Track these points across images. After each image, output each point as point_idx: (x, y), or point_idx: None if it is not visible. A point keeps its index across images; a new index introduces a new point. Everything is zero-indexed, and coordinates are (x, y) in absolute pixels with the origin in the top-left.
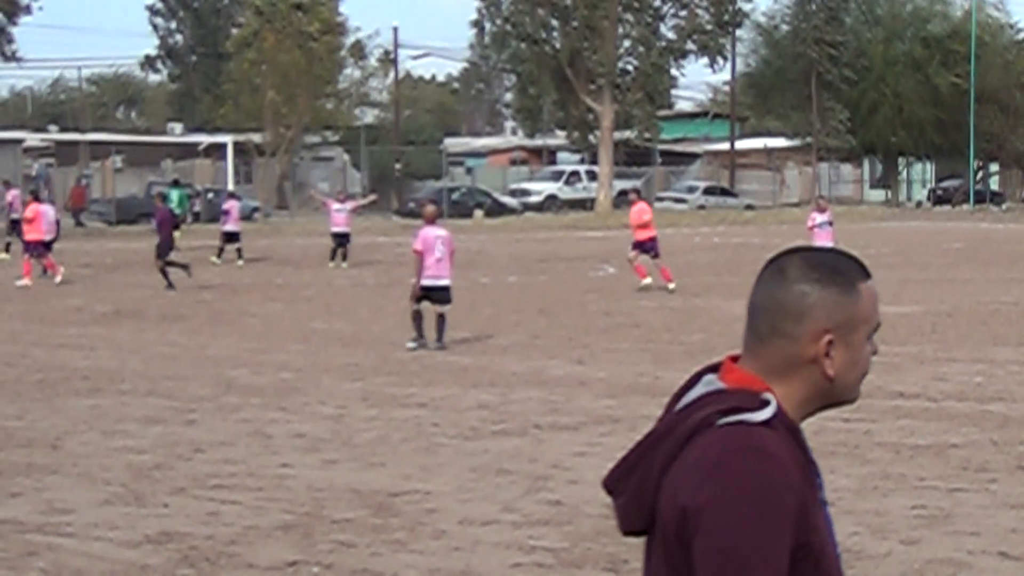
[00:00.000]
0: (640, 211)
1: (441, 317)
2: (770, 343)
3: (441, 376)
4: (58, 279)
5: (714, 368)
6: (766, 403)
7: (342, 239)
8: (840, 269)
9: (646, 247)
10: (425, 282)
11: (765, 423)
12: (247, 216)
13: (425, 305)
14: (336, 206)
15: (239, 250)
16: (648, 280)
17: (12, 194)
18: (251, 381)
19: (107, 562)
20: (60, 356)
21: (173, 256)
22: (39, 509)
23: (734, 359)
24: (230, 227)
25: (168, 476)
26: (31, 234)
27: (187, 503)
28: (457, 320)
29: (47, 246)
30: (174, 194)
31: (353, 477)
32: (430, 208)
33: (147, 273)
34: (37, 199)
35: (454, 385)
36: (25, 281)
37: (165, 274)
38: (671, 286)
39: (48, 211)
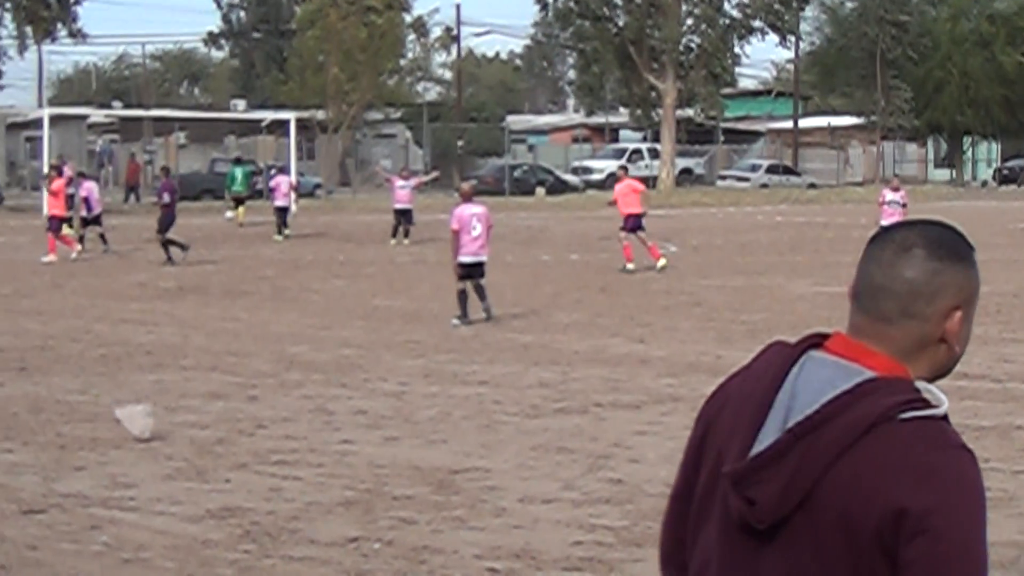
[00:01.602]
0: (629, 188)
1: (479, 286)
2: (900, 325)
3: (502, 354)
4: (49, 259)
5: (814, 344)
6: (927, 393)
7: (404, 216)
8: (959, 243)
9: (630, 223)
10: (464, 259)
11: (945, 416)
12: (309, 192)
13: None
14: (400, 183)
15: (281, 224)
16: (663, 262)
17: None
18: (313, 357)
19: (169, 536)
20: (123, 331)
21: (172, 234)
22: (102, 483)
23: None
24: (280, 202)
25: (230, 451)
26: (53, 208)
27: (249, 479)
28: (518, 297)
29: (93, 222)
30: (237, 171)
31: (414, 454)
32: (465, 186)
33: (209, 249)
34: (60, 173)
35: (515, 363)
36: (75, 252)
37: (166, 248)
38: (630, 266)
39: (94, 187)
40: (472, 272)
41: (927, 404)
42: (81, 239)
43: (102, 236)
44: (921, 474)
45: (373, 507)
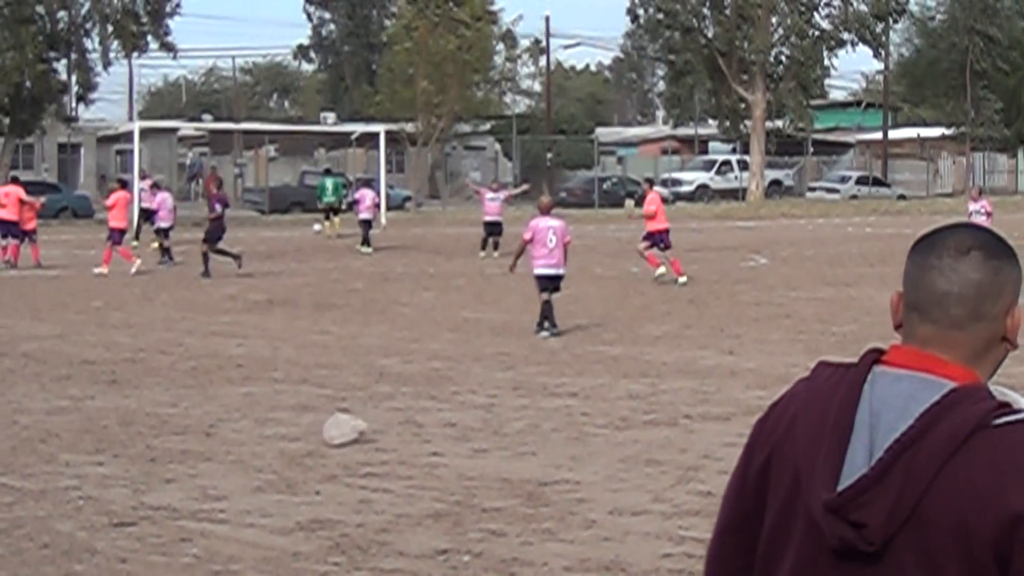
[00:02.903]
0: (649, 201)
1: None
2: (971, 328)
3: (591, 366)
4: (134, 268)
5: (875, 360)
6: (1004, 396)
7: (494, 228)
8: (1003, 241)
9: (655, 239)
10: (541, 271)
11: None
12: (399, 205)
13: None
14: (490, 195)
15: (364, 237)
16: (662, 269)
17: (146, 183)
18: (402, 370)
19: (259, 549)
20: (213, 344)
21: (223, 246)
22: (192, 496)
23: (905, 350)
24: (364, 215)
25: (320, 464)
26: (112, 222)
27: (339, 491)
28: (608, 310)
29: (165, 233)
30: (328, 182)
31: (503, 466)
32: (544, 199)
33: (299, 262)
34: (124, 186)
35: (604, 375)
36: (105, 269)
37: (206, 259)
38: (682, 279)
39: (167, 199)
40: (548, 285)
41: (1011, 408)
42: (166, 250)
43: (161, 248)
44: None
45: (462, 519)
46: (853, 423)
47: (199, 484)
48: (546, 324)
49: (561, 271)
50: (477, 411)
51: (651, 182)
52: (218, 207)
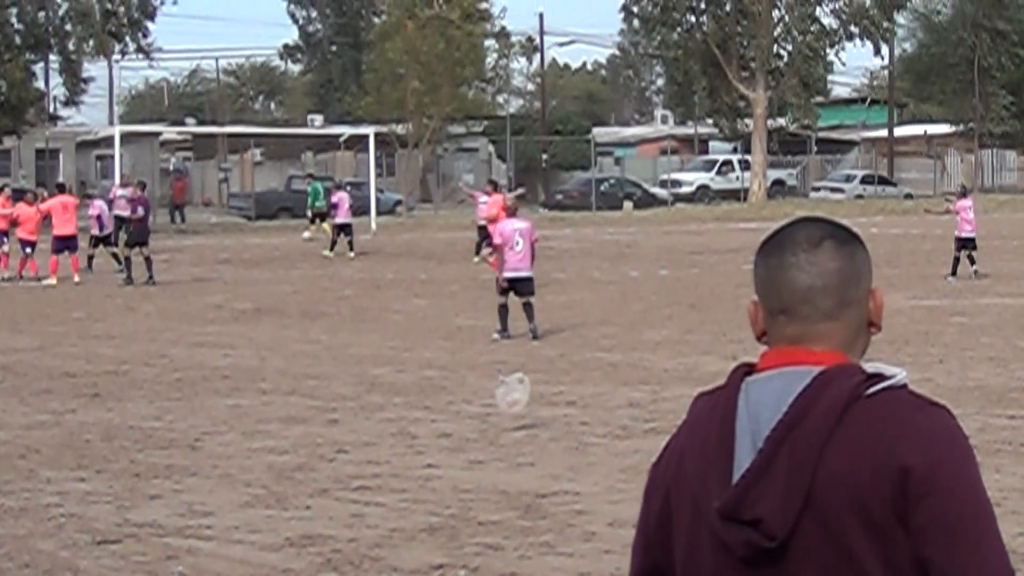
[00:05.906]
0: (490, 205)
1: (528, 305)
2: (841, 317)
3: (590, 373)
4: (46, 282)
5: (746, 373)
6: (877, 369)
7: (488, 232)
8: (845, 227)
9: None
10: (508, 275)
11: (905, 385)
12: (390, 210)
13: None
14: (483, 198)
15: (350, 242)
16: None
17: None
18: (394, 379)
19: (248, 566)
20: (199, 355)
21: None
22: (178, 512)
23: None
24: (341, 219)
25: (310, 477)
26: (54, 229)
27: (330, 505)
28: (606, 315)
29: (103, 241)
30: (320, 188)
31: (500, 478)
32: (509, 200)
33: (287, 269)
34: (62, 191)
35: (604, 382)
36: (52, 280)
37: (117, 259)
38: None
39: (103, 207)
40: (516, 288)
41: (884, 378)
42: (90, 259)
43: (115, 256)
44: (914, 434)
45: (458, 533)
46: (734, 434)
47: (185, 500)
48: (499, 328)
49: (529, 273)
50: (472, 421)
51: (494, 184)
52: (140, 209)
